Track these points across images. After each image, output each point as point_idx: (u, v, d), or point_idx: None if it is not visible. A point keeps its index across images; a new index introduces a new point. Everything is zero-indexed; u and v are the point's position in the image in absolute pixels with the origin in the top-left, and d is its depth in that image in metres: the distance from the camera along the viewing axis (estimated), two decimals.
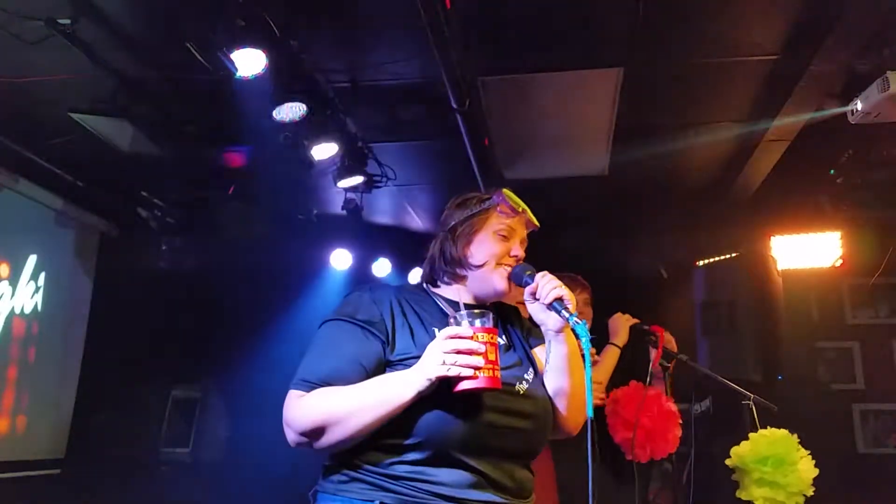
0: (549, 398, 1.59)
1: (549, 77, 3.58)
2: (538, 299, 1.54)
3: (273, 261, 5.43)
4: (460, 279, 1.67)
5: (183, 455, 5.47)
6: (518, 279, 1.61)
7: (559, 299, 1.51)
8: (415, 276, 5.60)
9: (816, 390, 4.87)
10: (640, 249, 5.23)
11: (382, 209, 5.29)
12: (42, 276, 4.83)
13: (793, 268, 4.76)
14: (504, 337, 1.67)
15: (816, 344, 5.16)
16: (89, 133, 3.82)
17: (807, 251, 4.83)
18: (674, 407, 2.45)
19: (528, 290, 1.57)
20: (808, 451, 2.22)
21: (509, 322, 1.74)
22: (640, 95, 3.70)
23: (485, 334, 1.38)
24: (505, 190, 1.73)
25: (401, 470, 1.42)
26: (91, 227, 5.30)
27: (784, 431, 2.21)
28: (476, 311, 1.43)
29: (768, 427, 2.24)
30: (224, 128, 3.94)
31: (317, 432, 1.42)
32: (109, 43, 3.18)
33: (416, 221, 5.59)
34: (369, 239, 5.43)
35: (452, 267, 1.66)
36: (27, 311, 4.70)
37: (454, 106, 3.39)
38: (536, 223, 1.71)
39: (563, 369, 1.57)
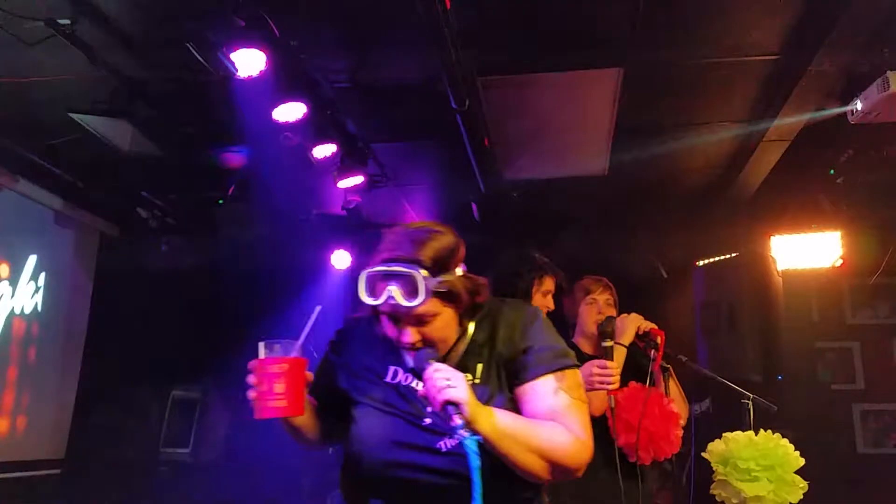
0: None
1: (549, 77, 3.58)
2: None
3: (273, 261, 5.43)
4: None
5: (183, 455, 5.46)
6: (418, 371, 1.41)
7: (451, 403, 1.27)
8: None
9: (816, 390, 4.87)
10: (640, 249, 5.23)
11: (382, 209, 5.29)
12: (42, 276, 4.82)
13: (793, 268, 4.75)
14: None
15: (816, 344, 5.15)
16: (89, 133, 3.82)
17: (807, 251, 4.82)
18: (675, 408, 2.44)
19: (419, 392, 1.37)
20: (804, 454, 2.20)
21: (488, 368, 1.48)
22: (640, 95, 3.70)
23: (275, 365, 1.38)
24: (366, 271, 1.42)
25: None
26: (91, 227, 5.30)
27: (758, 441, 2.18)
28: (280, 341, 1.40)
29: (761, 430, 2.23)
30: (224, 128, 3.94)
31: None
32: (109, 43, 3.18)
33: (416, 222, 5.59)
34: (369, 239, 5.42)
35: None
36: (27, 311, 4.70)
37: (454, 106, 3.39)
38: (405, 304, 1.36)
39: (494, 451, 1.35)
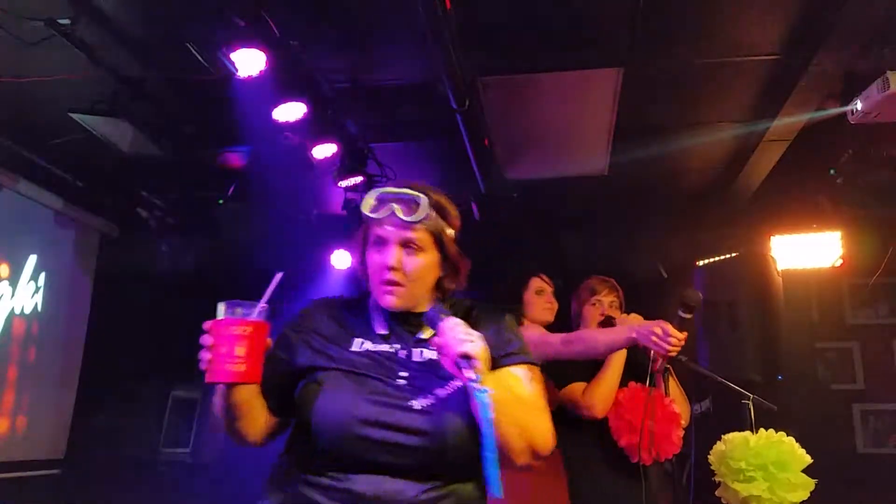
0: (471, 419, 1.37)
1: (549, 77, 3.58)
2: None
3: (273, 261, 5.42)
4: None
5: (183, 455, 5.46)
6: (432, 324, 1.41)
7: (465, 356, 1.28)
8: None
9: (816, 390, 4.86)
10: (640, 249, 5.23)
11: None
12: (42, 276, 4.82)
13: (793, 268, 4.75)
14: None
15: (816, 344, 5.15)
16: (89, 133, 3.82)
17: (807, 251, 4.82)
18: (676, 408, 2.45)
19: (434, 340, 1.37)
20: (806, 454, 2.20)
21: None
22: (640, 95, 3.70)
23: (238, 327, 1.33)
24: (373, 191, 1.52)
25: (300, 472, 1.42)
26: (91, 227, 5.30)
27: (752, 440, 2.18)
28: (243, 303, 1.37)
29: (761, 430, 2.23)
30: (224, 128, 3.94)
31: None
32: (109, 43, 3.18)
33: None
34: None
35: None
36: (27, 311, 4.70)
37: (454, 106, 3.39)
38: (404, 218, 1.46)
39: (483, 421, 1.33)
